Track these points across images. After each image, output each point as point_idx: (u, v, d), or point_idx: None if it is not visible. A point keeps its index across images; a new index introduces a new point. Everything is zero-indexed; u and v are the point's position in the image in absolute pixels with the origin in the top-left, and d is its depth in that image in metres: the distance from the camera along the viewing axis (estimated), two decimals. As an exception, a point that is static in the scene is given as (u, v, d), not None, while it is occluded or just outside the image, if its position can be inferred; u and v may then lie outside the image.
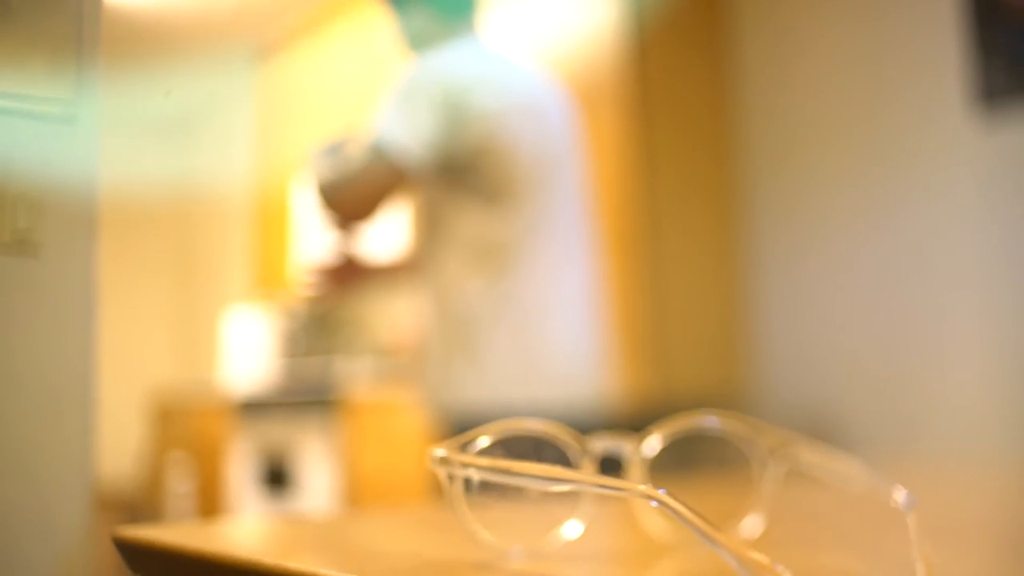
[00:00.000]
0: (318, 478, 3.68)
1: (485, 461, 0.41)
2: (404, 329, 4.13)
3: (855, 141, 3.06)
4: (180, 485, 4.68)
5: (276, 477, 3.94)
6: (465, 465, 0.41)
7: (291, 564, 0.44)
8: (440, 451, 0.43)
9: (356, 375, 3.88)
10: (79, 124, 1.29)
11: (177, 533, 0.54)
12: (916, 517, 0.37)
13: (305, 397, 3.84)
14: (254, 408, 4.15)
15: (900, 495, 0.38)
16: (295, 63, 4.94)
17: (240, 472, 4.19)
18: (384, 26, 3.63)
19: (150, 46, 5.11)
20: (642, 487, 0.35)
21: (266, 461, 4.03)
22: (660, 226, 3.06)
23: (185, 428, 4.77)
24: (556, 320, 1.91)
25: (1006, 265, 2.69)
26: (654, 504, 0.35)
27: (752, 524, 0.49)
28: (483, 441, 0.44)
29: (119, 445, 5.37)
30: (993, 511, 0.64)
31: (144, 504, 4.96)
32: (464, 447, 0.44)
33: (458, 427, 1.87)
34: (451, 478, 0.43)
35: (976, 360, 2.73)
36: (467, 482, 0.43)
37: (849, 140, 3.07)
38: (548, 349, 1.89)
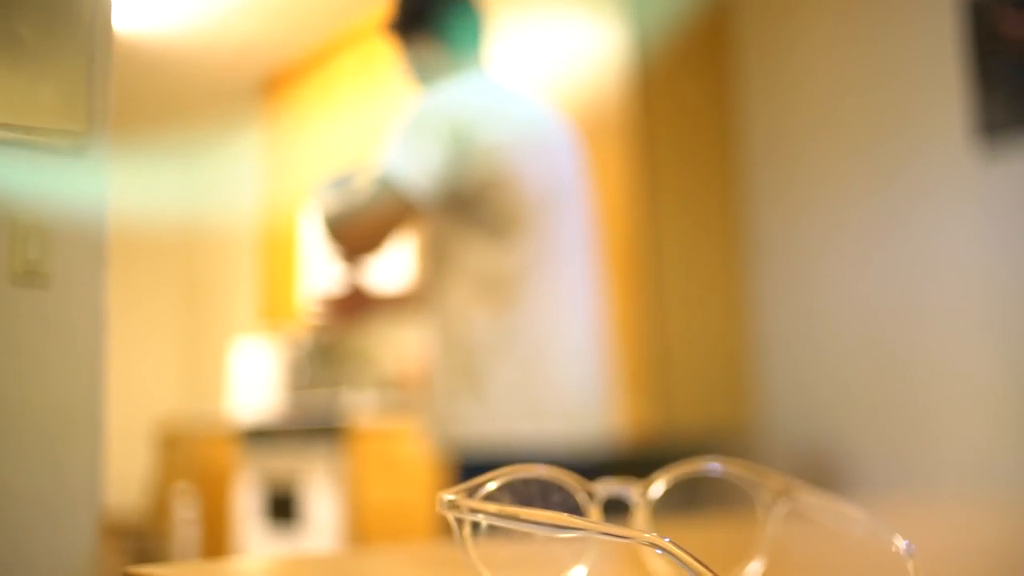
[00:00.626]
0: (323, 508, 3.68)
1: (493, 507, 0.41)
2: (410, 361, 4.14)
3: (857, 172, 3.07)
4: (186, 514, 4.67)
5: (281, 507, 3.94)
6: (473, 511, 0.42)
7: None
8: (449, 496, 0.43)
9: (362, 407, 3.88)
10: (89, 157, 1.30)
11: (187, 573, 0.55)
12: (916, 565, 0.37)
13: (311, 427, 3.84)
14: (260, 438, 4.15)
15: (900, 542, 0.38)
16: (302, 96, 4.97)
17: (245, 502, 4.19)
18: (391, 60, 3.67)
19: (159, 80, 5.16)
20: (647, 535, 0.36)
21: (271, 491, 4.03)
22: (664, 260, 3.07)
23: (191, 457, 4.77)
24: (561, 353, 1.92)
25: (1008, 296, 2.69)
26: (659, 552, 0.36)
27: (754, 570, 0.49)
28: (491, 486, 0.45)
29: (126, 473, 5.38)
30: (994, 553, 0.64)
31: (150, 532, 4.95)
32: (472, 492, 0.44)
33: (463, 459, 1.87)
34: (459, 522, 0.44)
35: (981, 393, 2.73)
36: (475, 525, 0.44)
37: (851, 171, 3.09)
38: (553, 382, 1.90)
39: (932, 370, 2.84)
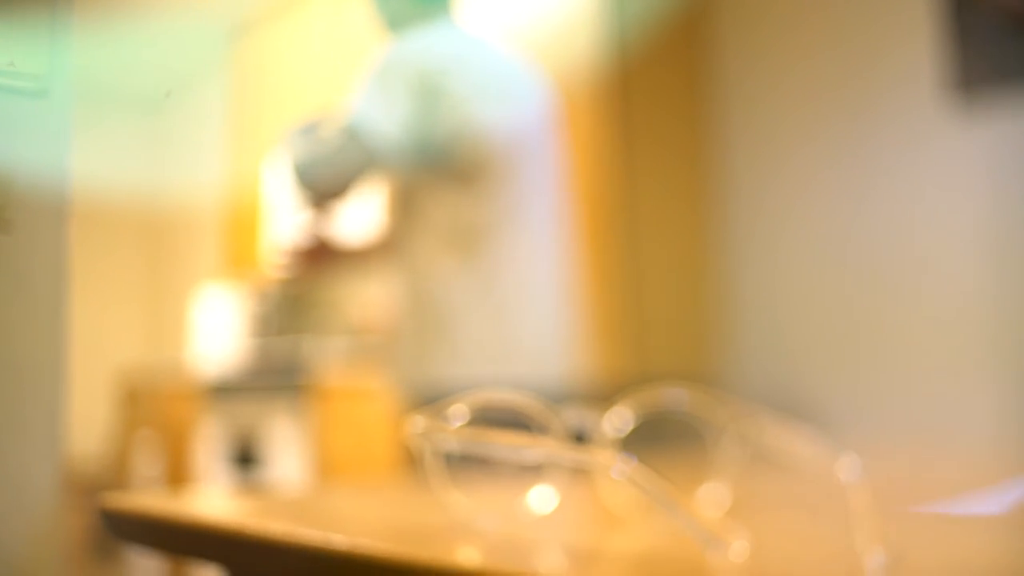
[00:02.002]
0: (287, 460, 3.70)
1: (461, 431, 0.43)
2: (376, 310, 4.15)
3: (831, 127, 3.09)
4: (148, 466, 4.68)
5: (245, 458, 3.95)
6: (442, 434, 0.43)
7: (273, 527, 0.46)
8: (418, 420, 0.45)
9: (327, 356, 3.89)
10: (52, 99, 1.29)
11: (160, 501, 0.56)
12: (863, 484, 0.39)
13: (275, 379, 3.85)
14: (223, 389, 4.15)
15: (848, 462, 0.40)
16: (270, 41, 4.93)
17: (209, 453, 4.20)
18: (361, 6, 3.63)
19: (125, 20, 5.08)
20: (607, 458, 0.37)
21: (235, 442, 4.04)
22: (635, 210, 3.08)
23: (154, 409, 4.77)
24: (530, 302, 1.93)
25: (982, 253, 2.74)
26: (617, 475, 0.37)
27: (711, 494, 0.51)
28: (459, 411, 0.46)
29: (87, 426, 5.37)
30: (943, 484, 0.67)
31: (111, 485, 4.95)
32: (441, 418, 0.46)
33: (429, 402, 1.89)
34: (427, 447, 0.45)
35: (949, 345, 2.78)
36: (443, 452, 0.45)
37: (825, 125, 3.11)
38: (522, 331, 1.91)
39: (902, 321, 2.89)
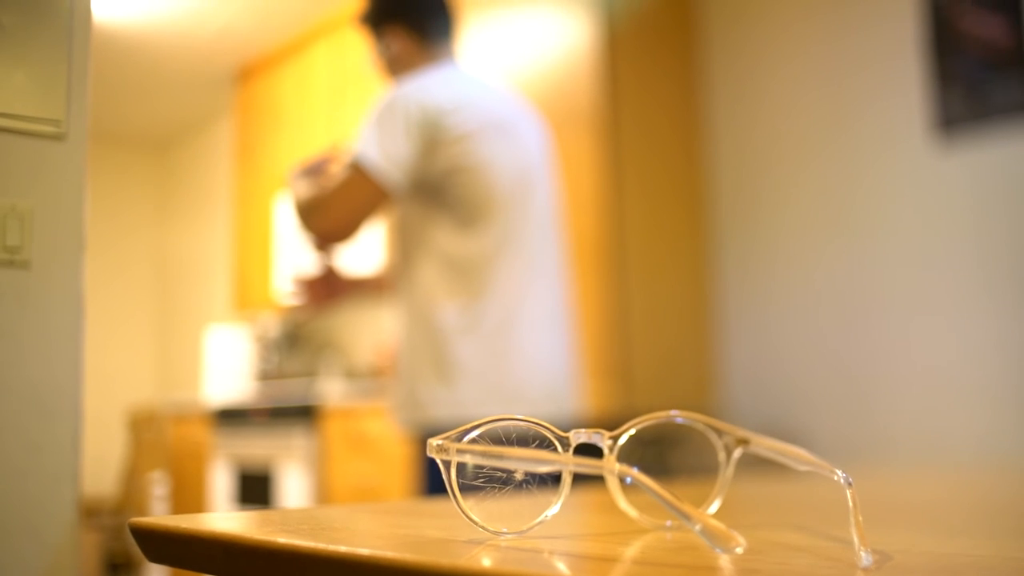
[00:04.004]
0: (295, 490, 3.71)
1: (478, 447, 0.46)
2: (380, 349, 4.17)
3: (820, 163, 3.14)
4: (160, 503, 4.69)
5: (254, 489, 3.96)
6: (460, 451, 0.46)
7: (302, 542, 0.49)
8: (437, 440, 0.48)
9: (333, 394, 3.91)
10: (68, 143, 1.33)
11: (190, 521, 0.59)
12: (852, 493, 0.42)
13: (283, 415, 3.87)
14: (232, 422, 4.17)
15: (840, 474, 0.43)
16: (276, 84, 4.99)
17: (218, 484, 4.21)
18: (363, 51, 3.69)
19: (135, 68, 5.15)
20: (617, 465, 0.40)
21: (244, 474, 4.05)
22: (628, 248, 3.12)
23: (164, 442, 4.78)
24: (527, 337, 1.95)
25: (963, 280, 2.77)
26: (628, 481, 0.40)
27: (713, 505, 0.54)
28: (474, 433, 0.49)
29: (99, 461, 5.37)
30: (929, 500, 0.70)
31: (124, 513, 4.95)
32: (458, 438, 0.49)
33: (430, 438, 1.90)
34: (447, 464, 0.48)
35: (936, 374, 2.81)
36: (460, 468, 0.48)
37: (813, 162, 3.15)
38: (518, 367, 1.93)
39: (891, 353, 2.92)
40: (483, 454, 0.46)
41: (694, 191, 3.40)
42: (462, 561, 0.41)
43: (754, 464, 0.60)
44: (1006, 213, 2.72)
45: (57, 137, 1.31)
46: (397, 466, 3.19)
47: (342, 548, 0.46)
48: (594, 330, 2.98)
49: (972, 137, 2.77)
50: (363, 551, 0.45)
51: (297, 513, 0.67)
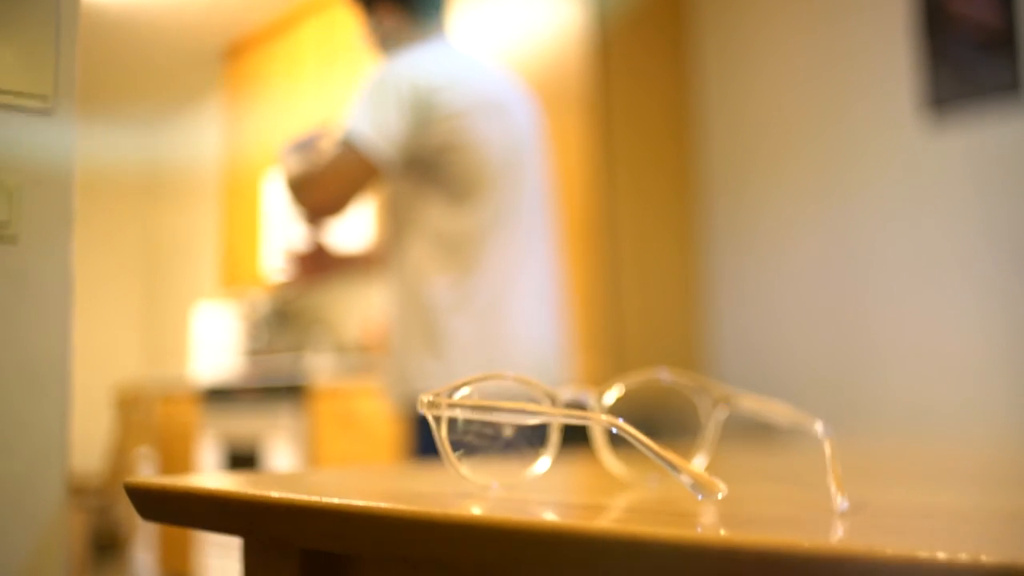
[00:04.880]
0: (284, 466, 3.72)
1: (468, 401, 0.47)
2: (370, 324, 4.18)
3: (810, 142, 3.15)
4: (148, 473, 4.69)
5: (242, 466, 3.97)
6: (451, 406, 0.48)
7: (297, 496, 0.50)
8: (428, 396, 0.49)
9: (321, 371, 3.92)
10: (56, 118, 1.33)
11: (185, 480, 0.60)
12: (831, 442, 0.44)
13: (271, 392, 3.88)
14: (220, 399, 4.18)
15: (819, 425, 0.45)
16: (265, 60, 4.97)
17: (206, 461, 4.22)
18: (353, 27, 3.68)
19: (123, 45, 5.13)
20: (604, 416, 0.42)
21: (232, 451, 4.06)
22: (619, 225, 3.13)
23: (152, 420, 4.78)
24: (518, 313, 1.97)
25: (953, 257, 2.79)
26: (613, 432, 0.42)
27: (697, 460, 0.55)
28: (465, 390, 0.50)
29: (86, 438, 5.37)
30: (913, 461, 0.71)
31: (111, 491, 4.96)
32: (449, 395, 0.50)
33: (420, 417, 1.92)
34: (437, 419, 0.49)
35: (926, 349, 2.83)
36: (451, 424, 0.50)
37: (804, 141, 3.16)
38: (510, 342, 1.95)
39: (884, 332, 2.94)
40: (473, 408, 0.47)
41: (684, 169, 3.42)
42: (453, 510, 0.42)
43: (739, 433, 0.61)
44: (996, 191, 2.74)
45: (45, 112, 1.31)
46: (385, 443, 3.21)
47: (335, 500, 0.47)
48: (585, 306, 3.00)
49: (962, 116, 2.79)
50: (357, 502, 0.46)
51: (288, 474, 0.68)
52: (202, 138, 5.94)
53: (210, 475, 0.67)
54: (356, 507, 0.46)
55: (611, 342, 3.06)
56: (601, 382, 3.03)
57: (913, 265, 2.88)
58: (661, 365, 3.21)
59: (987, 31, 2.76)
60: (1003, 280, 2.72)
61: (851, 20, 3.07)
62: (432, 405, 0.49)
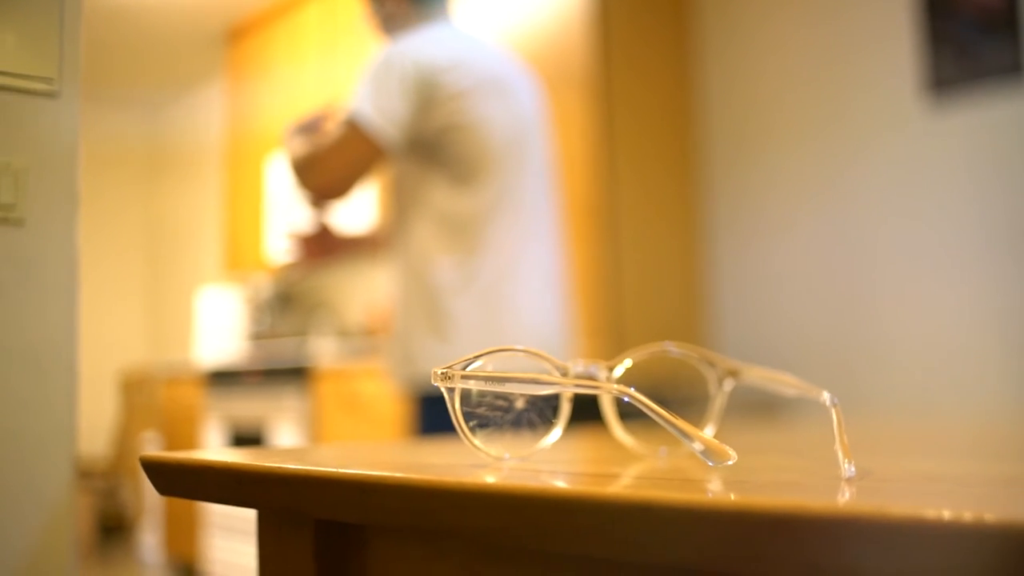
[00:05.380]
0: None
1: (481, 373, 0.48)
2: (377, 305, 4.19)
3: (812, 125, 3.15)
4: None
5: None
6: (464, 378, 0.49)
7: (314, 468, 0.51)
8: (441, 368, 0.50)
9: (325, 354, 3.93)
10: (61, 101, 1.34)
11: (200, 455, 0.61)
12: (838, 411, 0.45)
13: (276, 375, 3.89)
14: (225, 384, 4.19)
15: (826, 394, 0.46)
16: (267, 43, 4.97)
17: (211, 444, 4.24)
18: (356, 9, 3.67)
19: (125, 27, 5.12)
20: (615, 385, 0.42)
21: (237, 433, 4.08)
22: (620, 208, 3.13)
23: (156, 403, 4.80)
24: (522, 294, 1.97)
25: (955, 240, 2.80)
26: (625, 400, 0.43)
27: (705, 431, 0.56)
28: (477, 363, 0.51)
29: (92, 422, 5.40)
30: (915, 434, 0.72)
31: (117, 474, 4.99)
32: (462, 367, 0.51)
33: (424, 392, 1.93)
34: (451, 391, 0.50)
35: (928, 332, 2.84)
36: (467, 398, 0.51)
37: (806, 124, 3.16)
38: (513, 323, 1.96)
39: (886, 316, 2.95)
40: (486, 379, 0.48)
41: (685, 152, 3.42)
42: (468, 479, 0.43)
43: (743, 407, 0.62)
44: (997, 174, 2.75)
45: (50, 95, 1.32)
46: (390, 425, 3.22)
47: (351, 471, 0.48)
48: (586, 290, 3.00)
49: (964, 98, 2.79)
50: (373, 472, 0.47)
51: (300, 448, 0.69)
52: (205, 120, 5.94)
53: (223, 449, 0.68)
54: (372, 477, 0.47)
55: (611, 325, 3.07)
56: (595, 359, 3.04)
57: (914, 248, 2.89)
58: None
59: (988, 12, 2.75)
60: (1004, 262, 2.72)
61: (853, 3, 3.06)
62: (445, 377, 0.50)
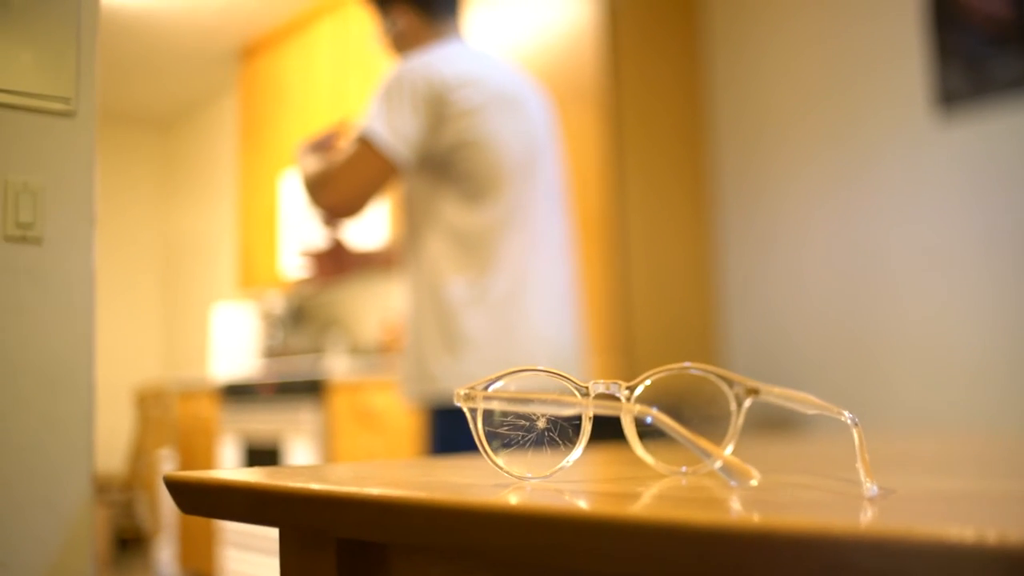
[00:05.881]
0: (305, 462, 3.74)
1: (504, 393, 0.48)
2: (388, 323, 4.19)
3: (821, 137, 3.15)
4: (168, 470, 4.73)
5: (261, 463, 4.00)
6: (487, 398, 0.49)
7: (338, 488, 0.51)
8: (464, 389, 0.50)
9: (339, 370, 3.94)
10: (78, 119, 1.35)
11: (223, 474, 0.62)
12: (859, 431, 0.45)
13: (290, 390, 3.90)
14: (239, 399, 4.20)
15: (847, 414, 0.46)
16: (280, 61, 4.99)
17: (226, 462, 4.25)
18: (368, 27, 3.69)
19: (139, 46, 5.16)
20: (637, 406, 0.43)
21: (252, 452, 4.08)
22: (630, 222, 3.14)
23: (172, 418, 4.81)
24: (534, 310, 1.98)
25: (963, 253, 2.79)
26: (648, 421, 0.43)
27: (726, 450, 0.57)
28: (499, 383, 0.52)
29: (108, 438, 5.42)
30: (928, 451, 0.72)
31: (133, 489, 5.00)
32: (484, 387, 0.51)
33: (438, 407, 1.94)
34: (473, 412, 0.51)
35: (936, 343, 2.83)
36: (488, 418, 0.51)
37: (815, 136, 3.16)
38: (525, 339, 1.96)
39: (895, 327, 2.94)
40: (509, 400, 0.48)
41: (696, 166, 3.42)
42: (492, 499, 0.44)
43: (757, 424, 0.62)
44: (1006, 187, 2.74)
45: (67, 114, 1.33)
46: (404, 439, 3.22)
47: (375, 491, 0.49)
48: (597, 305, 3.00)
49: (973, 111, 2.79)
50: (398, 492, 0.48)
51: (321, 467, 0.70)
52: (219, 137, 5.97)
53: (245, 469, 0.69)
54: (395, 497, 0.47)
55: (623, 339, 3.07)
56: (613, 379, 3.04)
57: (923, 259, 2.88)
58: (675, 360, 3.21)
59: (998, 25, 2.75)
60: (1013, 273, 2.72)
61: (862, 15, 3.06)
62: (467, 397, 0.50)
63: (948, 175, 2.85)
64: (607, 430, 0.62)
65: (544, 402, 0.47)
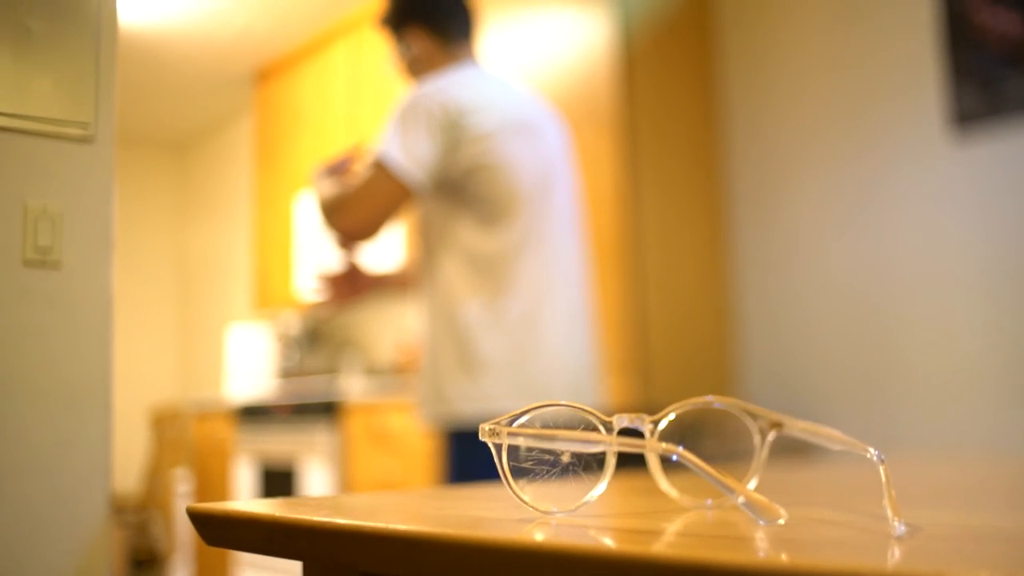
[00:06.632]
0: (319, 488, 3.74)
1: (528, 430, 0.49)
2: (403, 345, 4.20)
3: (836, 159, 3.15)
4: (183, 496, 4.74)
5: (277, 489, 4.00)
6: (512, 434, 0.49)
7: (364, 523, 0.51)
8: (489, 424, 0.51)
9: (354, 391, 3.94)
10: (97, 144, 1.36)
11: (247, 506, 0.62)
12: (886, 468, 0.45)
13: (306, 411, 3.90)
14: (255, 420, 4.21)
15: (872, 452, 0.46)
16: (295, 84, 5.02)
17: (242, 483, 4.25)
18: (383, 51, 3.71)
19: (155, 70, 5.20)
20: (663, 444, 0.43)
21: (267, 473, 4.09)
22: (646, 245, 3.14)
23: (187, 440, 4.82)
24: (549, 332, 1.98)
25: (979, 274, 2.78)
26: (674, 459, 0.43)
27: (750, 484, 0.57)
28: (524, 418, 0.52)
29: (123, 460, 5.43)
30: (950, 481, 0.72)
31: (148, 510, 5.01)
32: (509, 423, 0.52)
33: (455, 430, 1.94)
34: (498, 447, 0.51)
35: (953, 367, 2.82)
36: (511, 451, 0.51)
37: (830, 158, 3.16)
38: (541, 361, 1.96)
39: (911, 350, 2.93)
40: (533, 436, 0.48)
41: (711, 188, 3.42)
42: (518, 536, 0.44)
43: (784, 454, 0.62)
44: (1022, 206, 2.73)
45: (86, 140, 1.34)
46: (419, 461, 3.22)
47: (401, 527, 0.49)
48: (613, 327, 3.00)
49: (987, 131, 2.79)
50: (423, 529, 0.48)
51: (342, 497, 0.70)
52: (234, 160, 6.00)
53: (267, 500, 0.69)
54: (421, 533, 0.47)
55: (639, 362, 3.06)
56: (630, 402, 3.04)
57: (939, 280, 2.87)
58: (690, 386, 3.20)
59: (1013, 45, 2.75)
60: (1037, 292, 2.71)
61: (875, 35, 3.07)
62: (492, 433, 0.50)
63: (963, 195, 2.84)
64: (632, 457, 0.62)
65: (569, 440, 0.47)
